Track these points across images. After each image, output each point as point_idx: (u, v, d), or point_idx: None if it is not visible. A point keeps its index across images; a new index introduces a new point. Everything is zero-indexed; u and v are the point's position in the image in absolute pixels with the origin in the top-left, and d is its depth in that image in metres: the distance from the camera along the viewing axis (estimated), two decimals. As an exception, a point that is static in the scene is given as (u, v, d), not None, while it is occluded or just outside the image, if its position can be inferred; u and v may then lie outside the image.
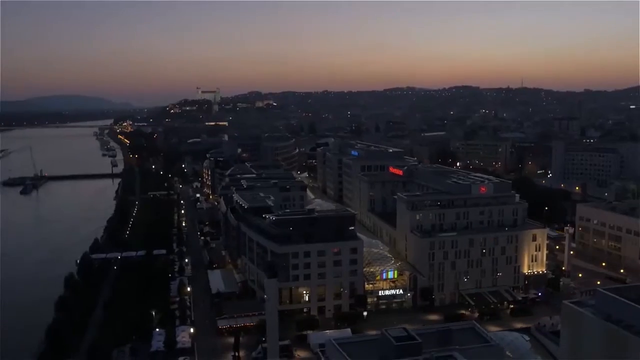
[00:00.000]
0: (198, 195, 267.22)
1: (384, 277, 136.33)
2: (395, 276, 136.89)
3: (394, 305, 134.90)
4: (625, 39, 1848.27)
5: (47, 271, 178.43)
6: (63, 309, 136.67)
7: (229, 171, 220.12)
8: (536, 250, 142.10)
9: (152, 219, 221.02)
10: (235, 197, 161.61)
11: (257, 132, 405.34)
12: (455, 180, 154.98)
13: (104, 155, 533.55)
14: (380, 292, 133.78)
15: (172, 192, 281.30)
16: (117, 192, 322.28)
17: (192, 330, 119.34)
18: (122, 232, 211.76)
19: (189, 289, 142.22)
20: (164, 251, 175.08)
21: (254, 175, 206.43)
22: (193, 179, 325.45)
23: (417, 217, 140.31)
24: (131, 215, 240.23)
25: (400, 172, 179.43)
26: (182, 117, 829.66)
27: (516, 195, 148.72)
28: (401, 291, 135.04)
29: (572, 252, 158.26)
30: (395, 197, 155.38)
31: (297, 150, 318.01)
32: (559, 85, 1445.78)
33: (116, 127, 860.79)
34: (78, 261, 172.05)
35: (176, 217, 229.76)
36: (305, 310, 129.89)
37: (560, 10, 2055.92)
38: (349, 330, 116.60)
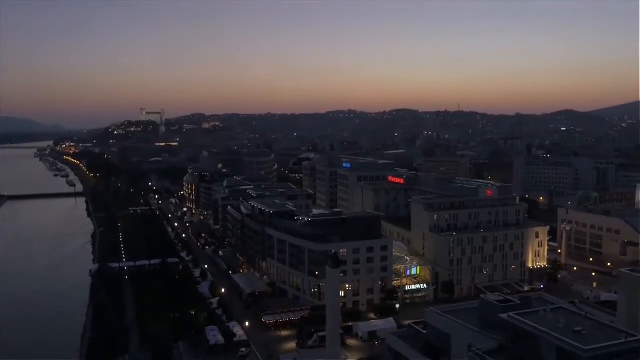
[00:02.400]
0: (185, 209, 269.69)
1: (408, 273, 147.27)
2: (418, 272, 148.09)
3: (417, 299, 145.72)
4: (552, 67, 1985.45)
5: (56, 284, 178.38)
6: (97, 315, 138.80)
7: (225, 184, 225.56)
8: (539, 246, 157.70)
9: (144, 232, 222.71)
10: (253, 204, 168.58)
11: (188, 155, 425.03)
12: (460, 185, 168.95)
13: (55, 175, 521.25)
14: (406, 286, 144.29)
15: (153, 207, 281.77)
16: (88, 209, 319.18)
17: (247, 324, 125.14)
18: (115, 244, 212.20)
19: (223, 290, 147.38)
20: (176, 259, 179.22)
21: (252, 187, 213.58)
22: (168, 195, 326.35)
23: (435, 218, 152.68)
24: (118, 229, 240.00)
25: (402, 181, 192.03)
26: (128, 138, 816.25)
27: (516, 197, 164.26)
28: (425, 285, 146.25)
29: (559, 251, 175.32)
30: (396, 203, 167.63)
31: (276, 165, 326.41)
32: (492, 109, 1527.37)
33: (58, 148, 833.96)
34: (92, 271, 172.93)
35: (170, 230, 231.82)
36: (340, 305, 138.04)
37: (492, 38, 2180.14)
38: (391, 319, 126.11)
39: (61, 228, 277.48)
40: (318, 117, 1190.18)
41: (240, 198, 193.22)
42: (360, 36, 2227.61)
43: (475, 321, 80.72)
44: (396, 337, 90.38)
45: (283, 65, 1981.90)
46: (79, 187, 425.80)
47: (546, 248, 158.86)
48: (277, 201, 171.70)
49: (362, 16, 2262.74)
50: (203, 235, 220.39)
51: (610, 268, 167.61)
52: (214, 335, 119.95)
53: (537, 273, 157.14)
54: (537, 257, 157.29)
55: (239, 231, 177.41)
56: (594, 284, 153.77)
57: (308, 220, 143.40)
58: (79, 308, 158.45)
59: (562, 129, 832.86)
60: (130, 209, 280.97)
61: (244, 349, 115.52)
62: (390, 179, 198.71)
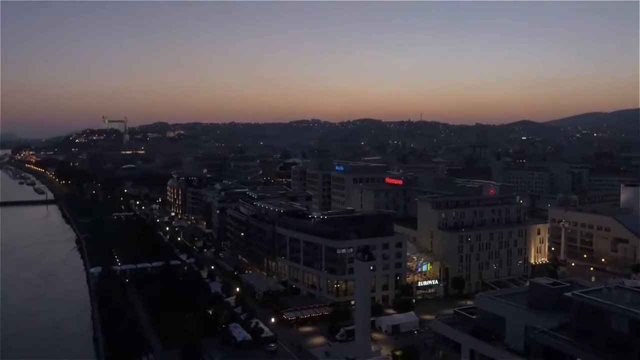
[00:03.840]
0: (173, 214, 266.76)
1: (419, 269, 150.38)
2: (429, 269, 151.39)
3: (427, 295, 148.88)
4: (508, 80, 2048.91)
5: (52, 290, 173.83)
6: (107, 316, 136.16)
7: (218, 187, 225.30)
8: (540, 243, 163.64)
9: (135, 236, 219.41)
10: (260, 204, 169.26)
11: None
12: (461, 184, 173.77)
13: (21, 183, 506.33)
14: (419, 283, 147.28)
15: (137, 212, 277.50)
16: (64, 216, 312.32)
17: (272, 320, 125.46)
18: (107, 249, 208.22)
19: (237, 289, 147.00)
20: (178, 262, 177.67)
21: (247, 190, 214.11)
22: (148, 201, 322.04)
23: (443, 216, 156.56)
24: (105, 234, 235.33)
25: (400, 182, 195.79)
26: (90, 147, 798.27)
27: (517, 196, 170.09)
28: (436, 281, 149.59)
29: (553, 249, 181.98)
30: (395, 203, 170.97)
31: (261, 171, 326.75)
32: (453, 120, 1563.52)
33: (17, 156, 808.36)
34: (94, 274, 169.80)
35: (161, 234, 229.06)
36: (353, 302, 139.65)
37: (452, 51, 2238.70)
38: (412, 313, 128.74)
39: (41, 235, 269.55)
40: (283, 127, 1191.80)
41: (240, 200, 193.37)
42: (324, 47, 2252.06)
43: (525, 304, 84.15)
44: (443, 322, 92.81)
45: (247, 75, 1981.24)
46: (49, 195, 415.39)
47: (547, 244, 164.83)
48: (283, 202, 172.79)
49: (325, 27, 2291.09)
50: (196, 238, 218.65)
51: (603, 264, 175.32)
52: (239, 332, 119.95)
53: (538, 269, 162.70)
54: (538, 254, 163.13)
55: (242, 232, 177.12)
56: (593, 279, 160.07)
57: (324, 217, 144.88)
58: (82, 312, 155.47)
59: (523, 138, 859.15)
60: (113, 214, 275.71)
61: (272, 345, 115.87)
62: (388, 180, 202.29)
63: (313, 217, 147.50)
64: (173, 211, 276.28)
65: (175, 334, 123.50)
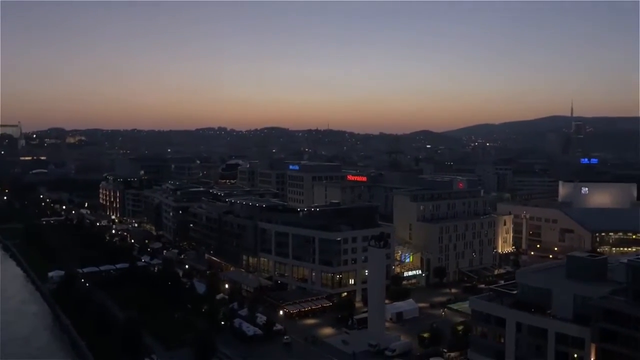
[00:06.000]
0: (114, 217, 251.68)
1: (403, 260, 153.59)
2: (412, 259, 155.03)
3: (409, 285, 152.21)
4: (409, 91, 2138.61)
5: (4, 299, 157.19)
6: (85, 322, 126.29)
7: (170, 187, 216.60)
8: (506, 233, 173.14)
9: (77, 240, 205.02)
10: (236, 201, 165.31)
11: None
12: (431, 179, 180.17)
13: None
14: (405, 273, 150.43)
15: (69, 217, 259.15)
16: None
17: (281, 312, 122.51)
18: (49, 254, 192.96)
19: (227, 286, 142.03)
20: (143, 263, 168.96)
21: (202, 189, 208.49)
22: (73, 205, 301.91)
23: (421, 208, 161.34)
24: (41, 239, 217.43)
25: (364, 179, 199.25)
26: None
27: (481, 189, 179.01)
28: (419, 271, 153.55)
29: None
30: (360, 199, 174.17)
31: (202, 173, 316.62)
32: (358, 129, 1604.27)
33: None
34: (53, 277, 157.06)
35: (107, 237, 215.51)
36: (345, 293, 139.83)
37: (356, 63, 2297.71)
38: (411, 300, 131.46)
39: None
40: (189, 134, 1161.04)
41: (203, 198, 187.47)
42: (231, 56, 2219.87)
43: (564, 277, 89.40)
44: (482, 299, 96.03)
45: (149, 81, 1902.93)
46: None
47: (511, 235, 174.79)
48: (254, 198, 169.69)
49: (232, 37, 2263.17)
50: (147, 241, 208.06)
51: (555, 252, 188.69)
52: (247, 327, 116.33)
53: (504, 257, 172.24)
54: (505, 243, 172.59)
55: (213, 231, 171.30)
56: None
57: (312, 210, 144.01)
58: (44, 319, 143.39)
59: (428, 146, 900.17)
60: (42, 219, 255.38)
61: (287, 337, 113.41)
62: (350, 177, 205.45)
63: (301, 211, 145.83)
64: (111, 214, 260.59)
65: (173, 334, 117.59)
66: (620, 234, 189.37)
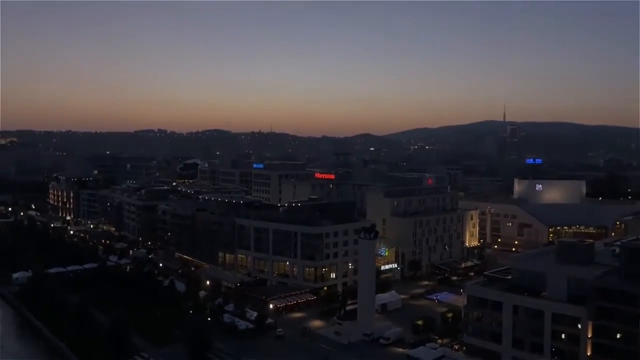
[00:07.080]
0: (69, 218, 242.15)
1: (380, 254, 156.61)
2: (387, 254, 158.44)
3: (385, 278, 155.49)
4: (349, 96, 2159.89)
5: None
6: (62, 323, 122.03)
7: (133, 186, 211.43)
8: (473, 228, 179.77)
9: (32, 242, 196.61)
10: (212, 198, 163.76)
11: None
12: (400, 176, 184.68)
13: None
14: (382, 267, 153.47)
15: (18, 218, 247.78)
16: None
17: (271, 306, 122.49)
18: (5, 255, 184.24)
19: (208, 283, 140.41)
20: (112, 263, 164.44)
21: (169, 188, 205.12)
22: (19, 206, 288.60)
23: (395, 204, 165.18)
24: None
25: (332, 176, 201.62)
26: None
27: (449, 186, 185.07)
28: (395, 265, 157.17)
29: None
30: (329, 196, 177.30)
31: (157, 173, 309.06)
32: (301, 132, 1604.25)
33: None
34: (20, 279, 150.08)
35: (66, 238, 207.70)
36: (327, 287, 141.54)
37: (302, 68, 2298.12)
38: (394, 292, 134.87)
39: None
40: (127, 136, 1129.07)
41: (170, 196, 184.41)
42: (171, 57, 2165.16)
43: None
44: (478, 285, 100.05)
45: (84, 82, 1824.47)
46: None
47: (477, 229, 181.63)
48: (226, 195, 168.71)
49: (174, 38, 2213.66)
50: (108, 241, 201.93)
51: (516, 246, 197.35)
52: (238, 322, 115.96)
53: (470, 251, 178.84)
54: (471, 237, 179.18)
55: (185, 229, 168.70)
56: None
57: (292, 206, 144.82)
58: (12, 325, 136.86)
59: (371, 148, 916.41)
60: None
61: (280, 330, 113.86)
62: (318, 175, 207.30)
63: (281, 207, 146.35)
64: (64, 215, 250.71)
65: (160, 331, 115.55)
66: (574, 227, 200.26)
